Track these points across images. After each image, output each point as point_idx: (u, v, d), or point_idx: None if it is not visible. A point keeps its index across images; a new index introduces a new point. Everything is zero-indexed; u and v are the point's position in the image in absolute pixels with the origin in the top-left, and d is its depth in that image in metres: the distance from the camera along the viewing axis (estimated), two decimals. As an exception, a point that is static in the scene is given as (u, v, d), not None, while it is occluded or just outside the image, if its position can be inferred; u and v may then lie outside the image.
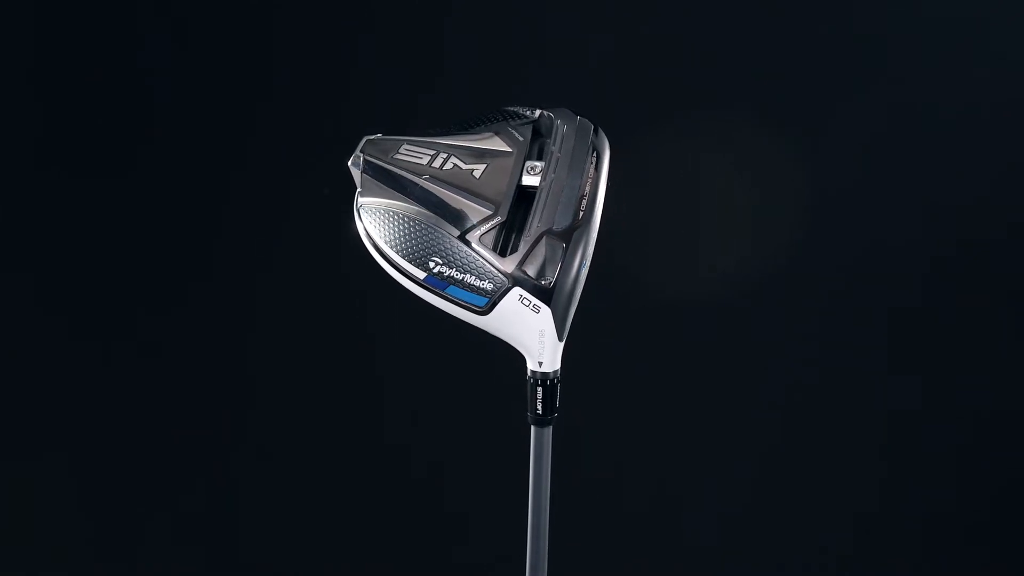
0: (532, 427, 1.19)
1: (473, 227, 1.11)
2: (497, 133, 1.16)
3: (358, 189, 1.13)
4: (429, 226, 1.11)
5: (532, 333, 1.13)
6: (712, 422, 2.06)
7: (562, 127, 1.16)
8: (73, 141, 1.97)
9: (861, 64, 1.95)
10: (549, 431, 1.19)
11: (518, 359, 1.17)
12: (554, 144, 1.15)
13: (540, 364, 1.15)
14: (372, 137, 1.15)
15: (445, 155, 1.14)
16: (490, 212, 1.11)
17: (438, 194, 1.12)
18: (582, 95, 1.92)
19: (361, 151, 1.14)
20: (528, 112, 1.19)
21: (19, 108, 1.97)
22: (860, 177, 1.98)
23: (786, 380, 2.05)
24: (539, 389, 1.16)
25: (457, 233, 1.10)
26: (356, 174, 1.14)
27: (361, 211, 1.13)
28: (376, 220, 1.12)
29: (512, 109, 1.19)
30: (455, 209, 1.11)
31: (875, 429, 2.08)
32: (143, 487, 2.09)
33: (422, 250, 1.11)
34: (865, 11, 1.95)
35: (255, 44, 1.97)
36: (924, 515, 2.10)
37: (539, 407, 1.17)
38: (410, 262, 1.10)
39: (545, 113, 1.18)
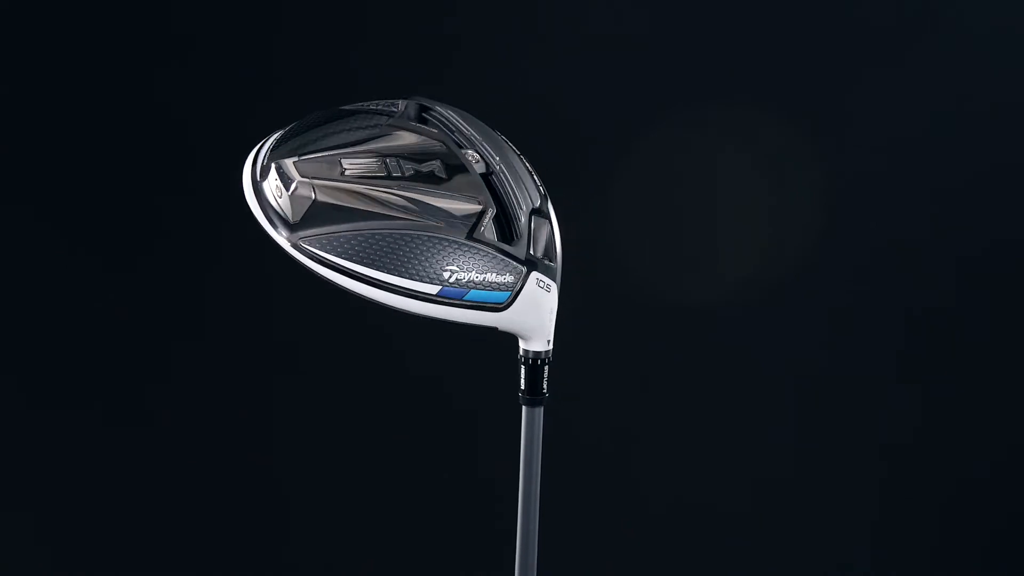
0: (524, 408, 1.18)
1: (476, 224, 1.08)
2: (398, 129, 1.10)
3: (289, 222, 1.05)
4: (432, 237, 1.06)
5: (546, 314, 1.14)
6: (714, 423, 2.07)
7: (445, 112, 1.13)
8: (66, 142, 1.96)
9: (871, 62, 1.97)
10: (541, 410, 1.19)
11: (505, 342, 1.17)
12: (455, 131, 1.12)
13: (549, 342, 1.16)
14: (279, 163, 1.06)
15: (393, 161, 1.08)
16: (480, 206, 1.09)
17: (425, 200, 1.07)
18: (583, 93, 1.91)
19: (292, 180, 1.05)
20: (386, 105, 1.13)
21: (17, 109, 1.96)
22: (871, 177, 1.98)
23: (790, 382, 2.05)
24: (545, 368, 1.17)
25: (465, 234, 1.07)
26: (287, 205, 1.05)
27: (320, 247, 1.05)
28: (359, 250, 1.05)
29: (364, 105, 1.13)
30: (447, 212, 1.08)
31: (879, 432, 2.07)
32: (151, 490, 2.06)
33: (432, 263, 1.06)
34: (873, 9, 1.94)
35: (252, 45, 1.96)
36: (929, 517, 2.08)
37: (544, 386, 1.18)
38: (419, 280, 1.06)
39: (408, 102, 1.13)
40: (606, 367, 2.02)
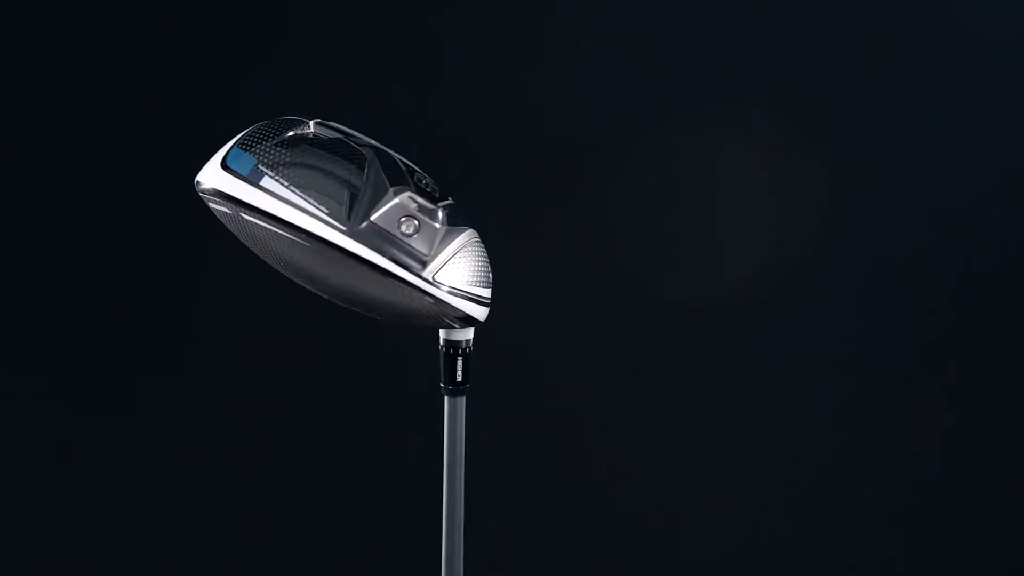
0: (448, 400, 1.17)
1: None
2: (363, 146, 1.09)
3: (425, 259, 1.03)
4: (480, 241, 1.08)
5: None
6: (714, 423, 2.05)
7: (337, 126, 1.12)
8: (68, 143, 1.98)
9: (871, 62, 1.93)
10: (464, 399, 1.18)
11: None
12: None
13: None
14: (406, 198, 1.05)
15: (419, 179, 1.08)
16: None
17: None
18: (583, 93, 1.91)
19: (432, 210, 1.05)
20: (297, 124, 1.11)
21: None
22: (871, 176, 1.97)
23: (790, 382, 2.03)
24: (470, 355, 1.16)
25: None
26: (430, 240, 1.04)
27: (456, 277, 1.05)
28: (474, 270, 1.06)
29: (281, 129, 1.11)
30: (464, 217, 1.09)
31: (879, 432, 2.06)
32: (146, 489, 2.07)
33: (486, 268, 1.08)
34: (873, 9, 1.93)
35: (252, 45, 1.98)
36: (930, 518, 2.07)
37: (469, 373, 1.17)
38: (483, 287, 1.07)
39: (311, 122, 1.12)
40: (606, 367, 2.02)
